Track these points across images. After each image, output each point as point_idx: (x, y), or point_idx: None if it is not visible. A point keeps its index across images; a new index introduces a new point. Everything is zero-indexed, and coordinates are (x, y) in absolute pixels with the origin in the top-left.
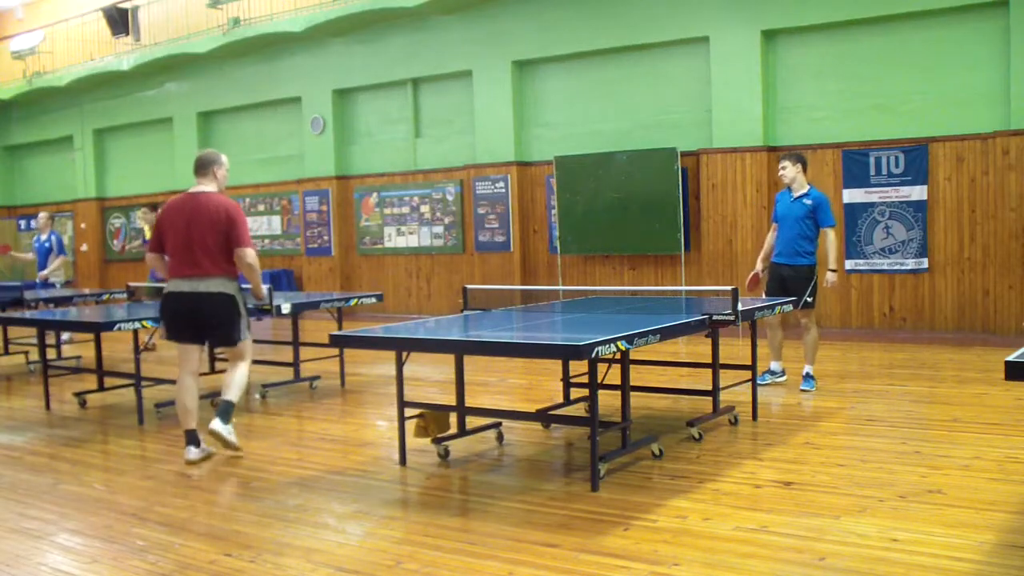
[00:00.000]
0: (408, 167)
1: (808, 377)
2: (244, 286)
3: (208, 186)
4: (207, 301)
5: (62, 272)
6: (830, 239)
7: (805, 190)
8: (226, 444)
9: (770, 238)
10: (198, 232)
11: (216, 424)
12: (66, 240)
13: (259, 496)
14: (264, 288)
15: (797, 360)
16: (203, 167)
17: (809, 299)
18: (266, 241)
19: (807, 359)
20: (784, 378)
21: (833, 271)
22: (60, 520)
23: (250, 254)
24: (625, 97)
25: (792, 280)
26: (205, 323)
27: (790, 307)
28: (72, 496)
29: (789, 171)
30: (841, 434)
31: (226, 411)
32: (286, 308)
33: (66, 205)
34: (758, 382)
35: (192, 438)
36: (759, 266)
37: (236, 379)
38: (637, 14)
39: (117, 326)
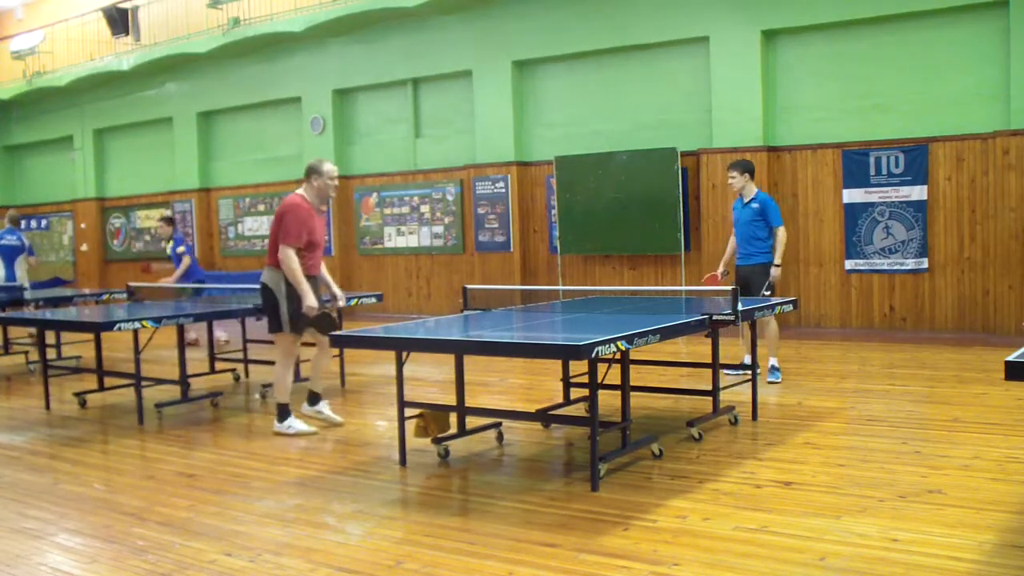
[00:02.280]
0: (408, 167)
1: (774, 369)
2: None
3: (304, 190)
4: (261, 290)
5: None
6: (778, 237)
7: (753, 195)
8: (299, 435)
9: (732, 243)
10: (271, 229)
11: (275, 425)
12: (66, 240)
13: (259, 496)
14: (305, 285)
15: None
16: (304, 174)
17: (766, 292)
18: (266, 241)
19: (770, 351)
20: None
21: (777, 266)
22: (60, 520)
23: (281, 251)
24: (625, 97)
25: (750, 278)
26: (263, 310)
27: (790, 307)
28: (72, 496)
29: (737, 180)
30: (841, 434)
31: (280, 413)
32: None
33: (66, 205)
34: (726, 372)
35: (311, 398)
36: (720, 268)
37: (275, 380)
38: (637, 14)
39: (117, 326)
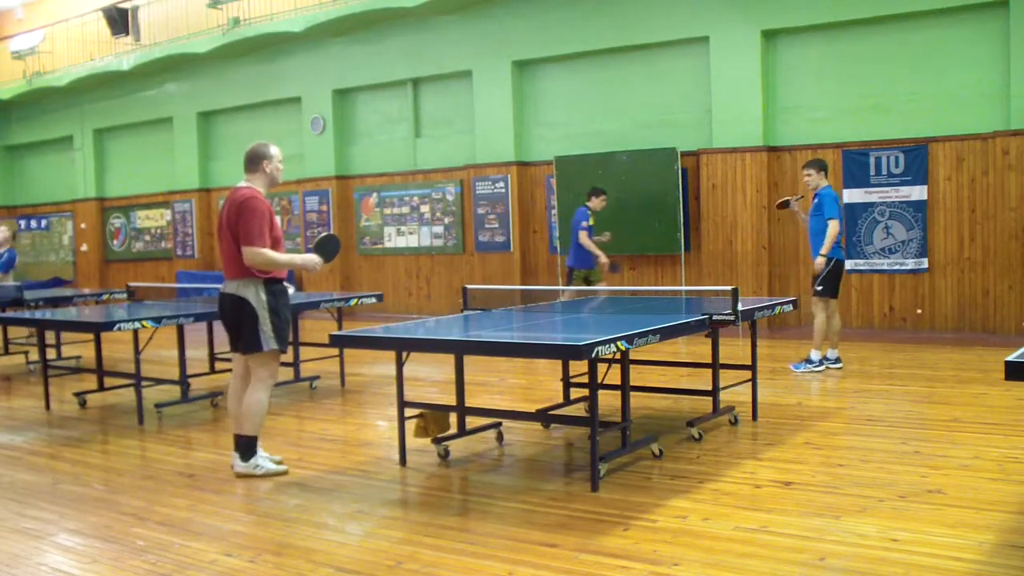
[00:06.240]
0: (408, 167)
1: (807, 360)
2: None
3: (252, 181)
4: (225, 304)
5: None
6: (829, 229)
7: (817, 189)
8: (266, 475)
9: None
10: (222, 230)
11: (236, 465)
12: (66, 240)
13: (259, 496)
14: (295, 258)
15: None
16: (248, 163)
17: (818, 287)
18: None
19: (814, 344)
20: (839, 365)
21: (821, 256)
22: (60, 520)
23: (248, 254)
24: (625, 97)
25: (814, 271)
26: (228, 328)
27: (790, 307)
28: (72, 496)
29: (813, 178)
30: (841, 434)
31: (245, 448)
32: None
33: (66, 205)
34: (793, 368)
35: (236, 444)
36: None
37: (248, 407)
38: (637, 14)
39: (117, 326)
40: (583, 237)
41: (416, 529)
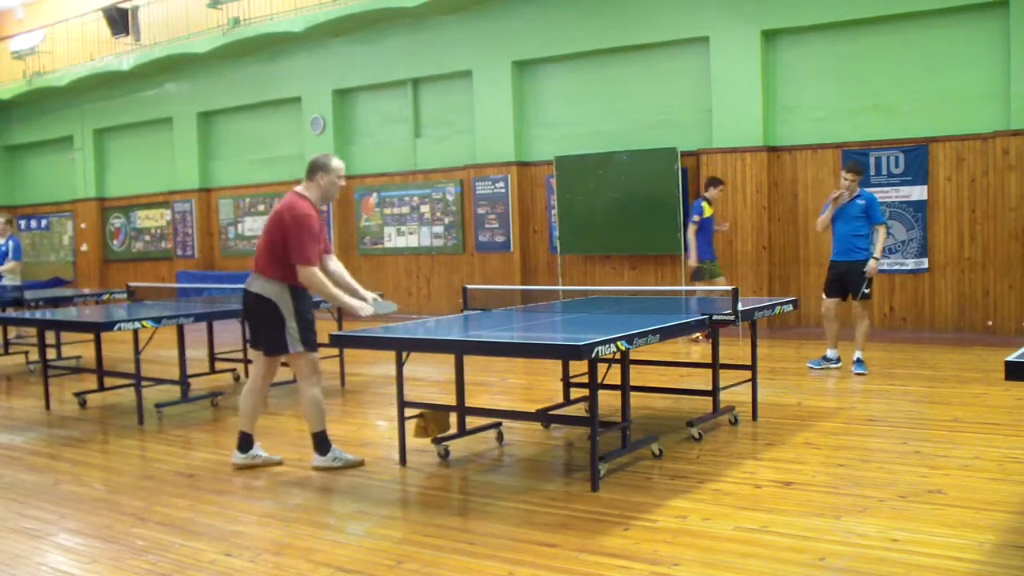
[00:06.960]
0: (408, 167)
1: (859, 362)
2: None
3: (306, 189)
4: (248, 301)
5: (17, 275)
6: (880, 234)
7: (857, 192)
8: (348, 467)
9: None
10: (265, 229)
11: (314, 460)
12: (66, 240)
13: (259, 496)
14: (345, 299)
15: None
16: (308, 171)
17: (866, 291)
18: None
19: (859, 345)
20: (839, 365)
21: (875, 259)
22: (60, 520)
23: (304, 274)
24: (625, 97)
25: (849, 275)
26: (250, 325)
27: (790, 307)
28: (72, 496)
29: (855, 182)
30: (841, 434)
31: (318, 444)
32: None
33: (66, 205)
34: (811, 365)
35: (239, 441)
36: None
37: (305, 408)
38: (637, 14)
39: (117, 326)
40: (690, 231)
41: (416, 529)
